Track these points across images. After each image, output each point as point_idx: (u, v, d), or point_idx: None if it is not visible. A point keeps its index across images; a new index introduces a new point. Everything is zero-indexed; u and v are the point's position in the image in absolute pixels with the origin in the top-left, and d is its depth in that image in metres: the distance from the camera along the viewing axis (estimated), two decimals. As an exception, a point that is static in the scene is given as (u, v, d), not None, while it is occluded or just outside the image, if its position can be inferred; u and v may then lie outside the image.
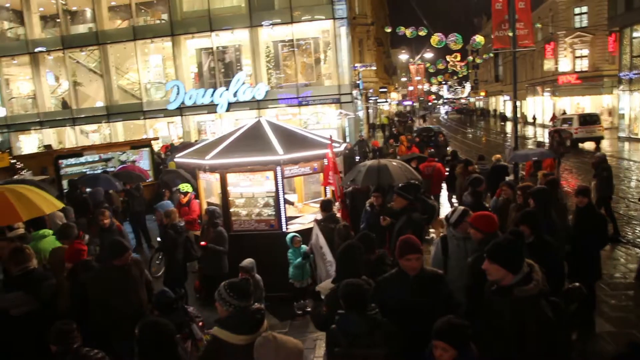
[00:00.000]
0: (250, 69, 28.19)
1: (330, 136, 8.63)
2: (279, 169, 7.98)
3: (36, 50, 30.43)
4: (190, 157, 8.73)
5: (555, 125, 29.62)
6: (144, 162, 17.26)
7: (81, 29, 31.47)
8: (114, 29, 30.51)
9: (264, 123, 8.74)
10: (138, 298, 5.33)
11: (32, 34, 30.73)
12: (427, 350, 3.44)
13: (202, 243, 7.80)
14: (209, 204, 8.89)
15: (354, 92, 29.67)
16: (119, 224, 8.36)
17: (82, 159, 16.21)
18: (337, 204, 8.22)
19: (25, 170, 13.64)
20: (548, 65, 42.47)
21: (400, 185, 7.41)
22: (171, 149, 20.56)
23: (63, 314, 5.42)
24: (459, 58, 48.54)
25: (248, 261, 6.40)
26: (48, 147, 26.30)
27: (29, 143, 32.31)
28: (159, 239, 11.11)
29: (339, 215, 8.05)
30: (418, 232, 6.94)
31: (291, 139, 8.40)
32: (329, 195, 8.95)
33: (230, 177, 8.28)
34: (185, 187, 10.21)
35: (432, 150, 16.43)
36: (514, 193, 7.74)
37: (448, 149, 21.47)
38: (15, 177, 13.02)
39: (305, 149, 8.26)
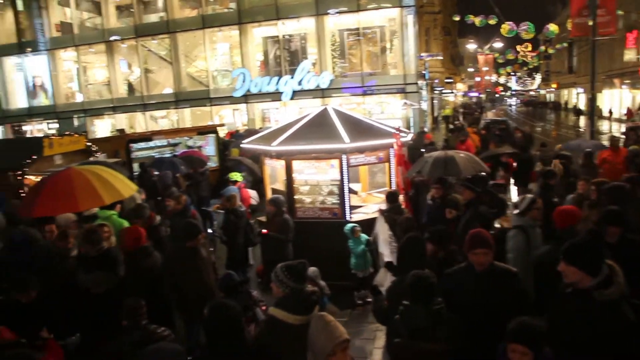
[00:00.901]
0: (316, 57, 28.25)
1: (398, 127, 8.48)
2: (344, 157, 7.92)
3: (111, 39, 31.81)
4: (257, 143, 8.82)
5: (634, 121, 27.91)
6: (209, 148, 17.65)
7: (153, 18, 32.59)
8: (184, 18, 31.39)
9: (331, 111, 8.69)
10: (207, 280, 5.44)
11: (108, 24, 32.17)
12: (499, 351, 3.31)
13: (263, 231, 7.84)
14: (273, 190, 8.98)
15: (419, 82, 29.13)
16: (194, 210, 8.59)
17: (151, 144, 16.77)
18: (401, 196, 8.08)
19: (99, 153, 14.22)
20: (629, 55, 39.87)
21: (467, 177, 7.21)
22: (235, 136, 20.91)
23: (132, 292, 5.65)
24: (530, 48, 46.70)
25: (312, 270, 6.39)
26: (121, 131, 27.46)
27: (102, 127, 33.92)
28: (210, 229, 11.35)
29: (404, 207, 7.92)
30: (486, 226, 6.72)
31: (357, 128, 8.31)
32: (394, 187, 8.82)
33: (296, 164, 8.30)
34: (235, 175, 10.28)
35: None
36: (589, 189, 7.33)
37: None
38: (90, 159, 13.60)
39: (371, 138, 8.15)
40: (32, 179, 11.21)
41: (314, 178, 8.48)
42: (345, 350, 3.11)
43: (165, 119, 33.32)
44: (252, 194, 11.12)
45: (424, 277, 3.80)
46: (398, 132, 8.20)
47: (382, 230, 6.86)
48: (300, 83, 27.20)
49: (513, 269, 4.29)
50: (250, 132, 19.00)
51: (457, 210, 6.84)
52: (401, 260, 4.67)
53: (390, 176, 8.81)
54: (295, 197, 8.40)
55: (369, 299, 7.68)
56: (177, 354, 3.04)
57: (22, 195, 10.47)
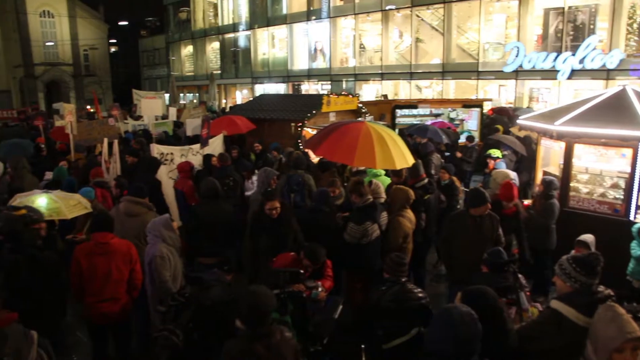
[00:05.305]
0: (605, 33, 24.81)
1: None
2: (641, 147, 6.82)
3: (387, 8, 32.88)
4: (536, 120, 8.19)
5: None
6: (471, 122, 17.22)
7: (430, -14, 32.56)
8: (462, -13, 30.64)
9: (630, 92, 7.51)
10: (480, 251, 5.29)
11: (390, -9, 33.29)
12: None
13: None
14: (544, 172, 8.30)
15: None
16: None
17: (414, 111, 17.10)
18: None
19: (367, 115, 15.01)
20: None
21: None
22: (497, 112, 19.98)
23: (392, 248, 5.85)
24: None
25: (589, 236, 5.73)
26: (384, 96, 28.66)
27: (368, 91, 35.78)
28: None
29: None
30: None
31: (665, 115, 7.03)
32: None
33: (578, 148, 7.46)
34: (495, 152, 9.69)
35: None
36: None
37: None
38: (359, 118, 14.46)
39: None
40: (309, 131, 12.42)
41: (597, 166, 7.54)
42: (636, 351, 2.72)
43: (429, 89, 33.50)
44: (512, 174, 10.53)
45: None
46: None
47: None
48: (582, 61, 24.19)
49: None
50: (514, 111, 17.95)
51: None
52: None
53: None
54: (570, 184, 7.61)
55: (641, 315, 6.63)
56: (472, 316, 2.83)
57: (299, 144, 11.73)
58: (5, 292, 4.20)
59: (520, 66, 26.45)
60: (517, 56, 26.40)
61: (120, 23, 61.24)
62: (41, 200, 5.73)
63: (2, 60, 51.87)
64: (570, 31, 26.00)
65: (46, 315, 4.57)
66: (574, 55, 24.37)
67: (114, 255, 4.81)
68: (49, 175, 8.91)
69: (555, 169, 8.22)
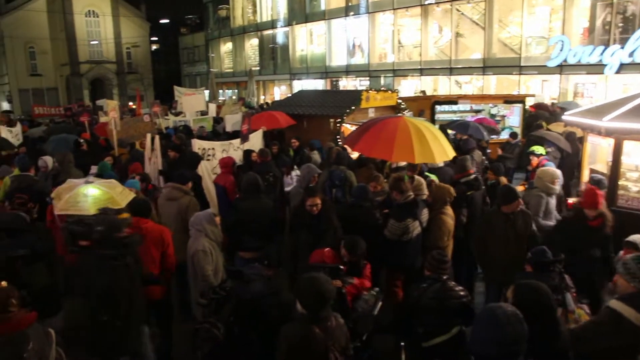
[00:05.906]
0: (658, 23, 23.80)
1: None
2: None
3: (427, 2, 32.38)
4: (583, 116, 7.92)
5: None
6: (513, 119, 16.85)
7: (476, -20, 31.84)
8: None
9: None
10: (514, 249, 5.20)
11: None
12: None
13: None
14: (591, 170, 8.03)
15: None
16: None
17: (454, 107, 16.83)
18: None
19: (406, 111, 14.85)
20: None
21: None
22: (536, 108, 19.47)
23: (435, 246, 5.78)
24: None
25: (639, 237, 5.51)
26: (423, 92, 28.28)
27: (406, 87, 35.37)
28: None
29: None
30: None
31: None
32: None
33: (628, 145, 7.18)
34: (538, 149, 9.37)
35: None
36: None
37: None
38: (398, 114, 14.31)
39: None
40: (347, 127, 12.38)
41: (648, 164, 7.26)
42: None
43: (469, 85, 32.88)
44: (558, 172, 10.24)
45: None
46: None
47: None
48: (631, 55, 23.16)
49: None
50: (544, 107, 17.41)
51: None
52: None
53: None
54: (619, 182, 7.34)
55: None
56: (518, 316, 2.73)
57: (338, 140, 11.69)
58: (97, 302, 4.21)
59: (565, 60, 25.66)
60: (561, 50, 25.62)
61: (162, 21, 62.47)
62: (92, 192, 5.78)
63: (50, 59, 53.75)
64: (620, 23, 25.06)
65: (134, 323, 4.57)
66: (622, 48, 23.47)
67: (145, 239, 5.13)
68: (94, 169, 9.17)
69: (602, 166, 7.94)
